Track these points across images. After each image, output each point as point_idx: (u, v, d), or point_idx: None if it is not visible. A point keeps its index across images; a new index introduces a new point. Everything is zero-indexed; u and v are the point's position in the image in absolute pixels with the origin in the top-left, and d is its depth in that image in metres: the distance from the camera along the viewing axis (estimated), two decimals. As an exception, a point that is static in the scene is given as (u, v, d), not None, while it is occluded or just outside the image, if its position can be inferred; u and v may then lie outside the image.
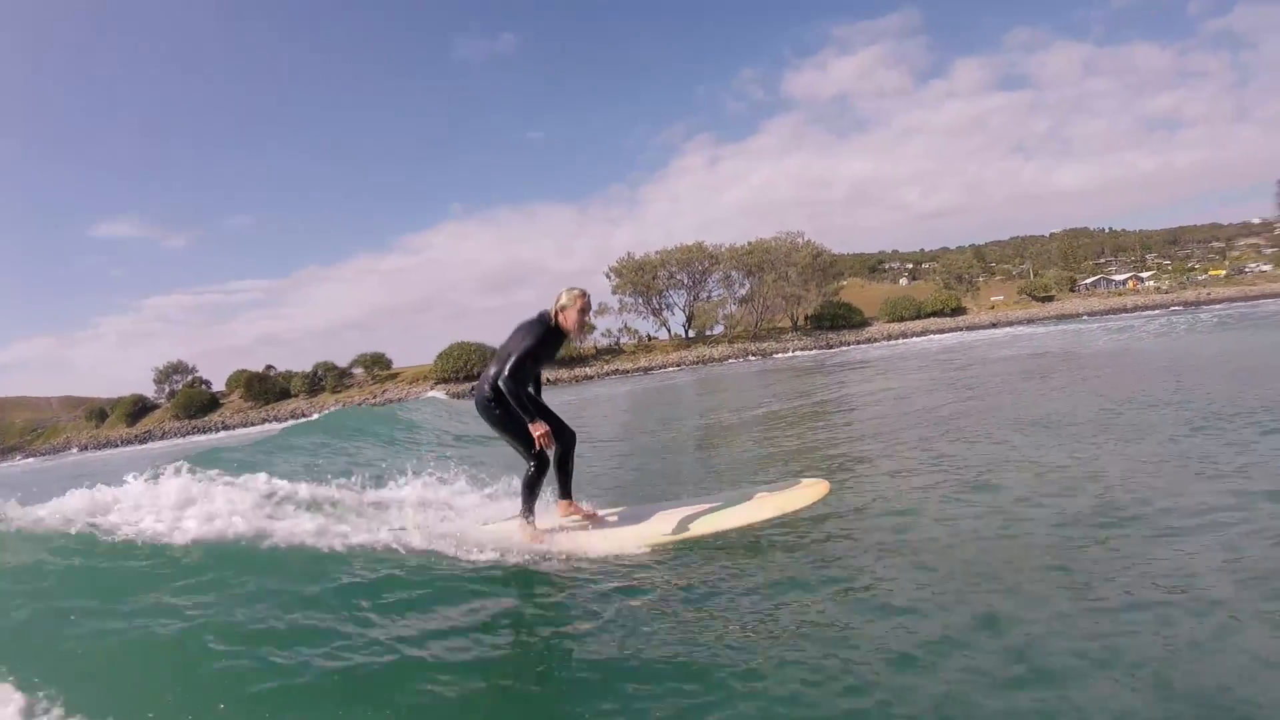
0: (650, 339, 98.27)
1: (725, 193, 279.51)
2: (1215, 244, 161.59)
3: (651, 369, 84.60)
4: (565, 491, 7.00)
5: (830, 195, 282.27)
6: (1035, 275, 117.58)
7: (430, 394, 62.57)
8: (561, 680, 4.33)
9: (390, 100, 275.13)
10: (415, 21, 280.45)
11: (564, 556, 6.37)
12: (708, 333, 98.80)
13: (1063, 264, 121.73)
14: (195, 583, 5.02)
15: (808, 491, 6.68)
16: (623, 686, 4.09)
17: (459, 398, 45.62)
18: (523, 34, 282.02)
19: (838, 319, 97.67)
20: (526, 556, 6.29)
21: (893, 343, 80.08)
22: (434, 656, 4.35)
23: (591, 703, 3.96)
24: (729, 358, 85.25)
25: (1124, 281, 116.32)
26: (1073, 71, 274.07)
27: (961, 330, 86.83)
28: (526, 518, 6.71)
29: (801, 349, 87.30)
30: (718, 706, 3.87)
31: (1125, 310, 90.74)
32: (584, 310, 6.74)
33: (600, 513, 7.20)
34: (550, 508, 7.14)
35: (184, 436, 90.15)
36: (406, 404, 34.67)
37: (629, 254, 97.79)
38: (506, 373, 6.36)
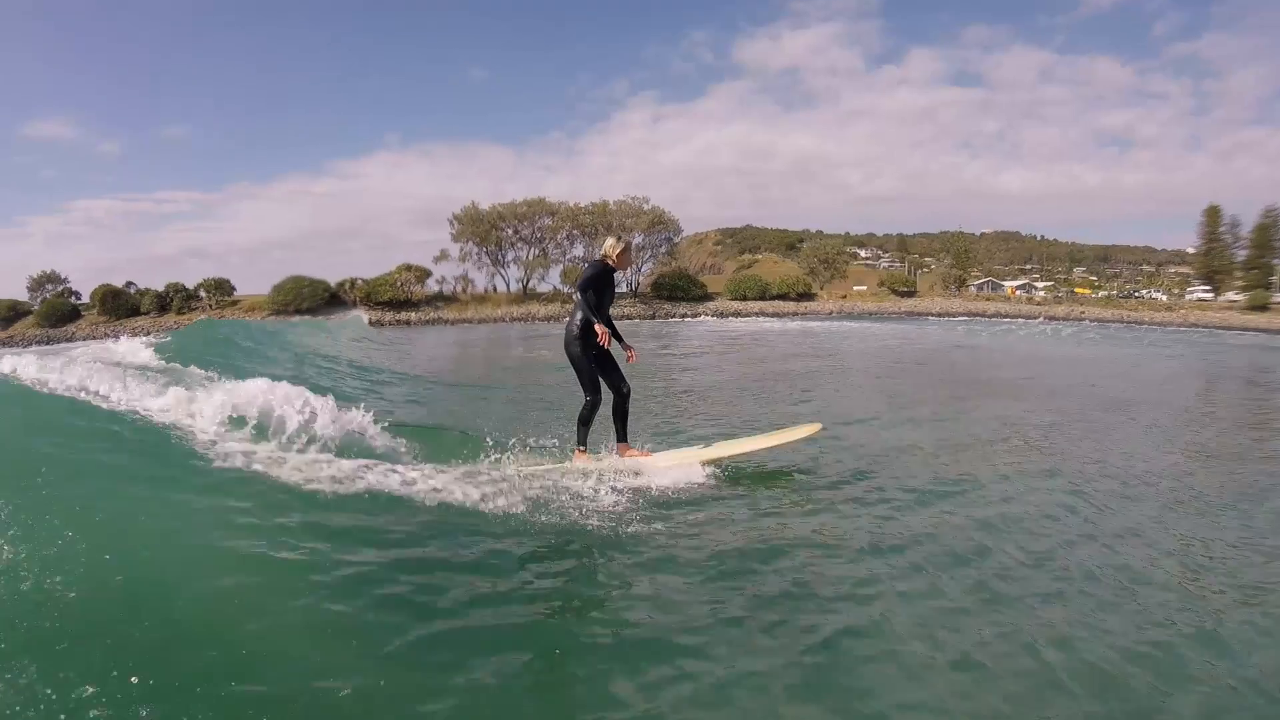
0: (491, 292, 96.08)
1: (665, 153, 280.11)
2: (1145, 267, 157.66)
3: (473, 321, 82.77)
4: (622, 436, 8.47)
5: (771, 167, 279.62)
6: (918, 271, 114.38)
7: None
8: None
9: (336, 19, 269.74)
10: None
11: (615, 475, 7.82)
12: (541, 290, 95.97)
13: (954, 262, 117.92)
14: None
15: (809, 427, 8.71)
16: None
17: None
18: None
19: (676, 290, 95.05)
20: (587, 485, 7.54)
21: (721, 320, 79.25)
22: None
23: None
24: (551, 317, 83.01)
25: (1004, 288, 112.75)
26: (1029, 76, 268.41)
27: (786, 317, 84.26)
28: (581, 448, 8.26)
29: (624, 318, 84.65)
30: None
31: (982, 315, 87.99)
32: (627, 250, 8.53)
33: (650, 454, 8.51)
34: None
35: (44, 344, 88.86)
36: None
37: (473, 203, 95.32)
38: (578, 288, 8.05)
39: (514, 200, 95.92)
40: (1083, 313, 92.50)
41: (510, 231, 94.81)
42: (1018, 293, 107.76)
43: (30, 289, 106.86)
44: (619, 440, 8.50)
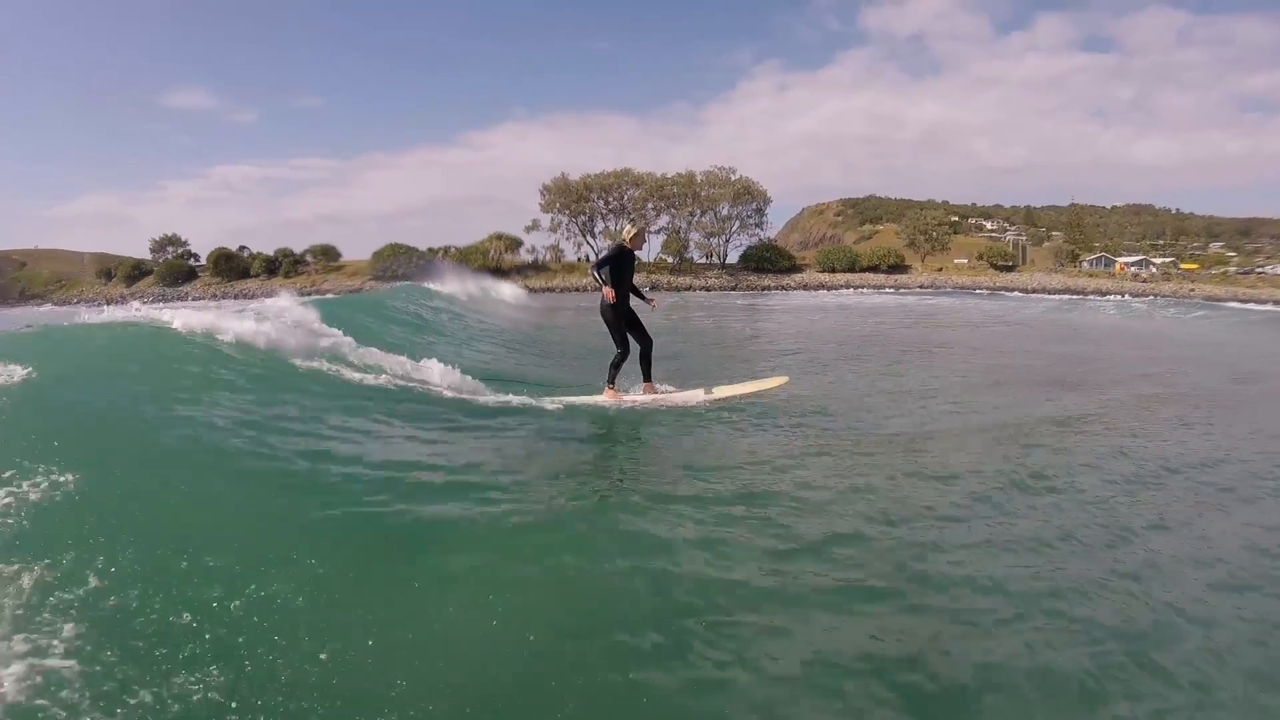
0: (582, 261, 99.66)
1: (792, 121, 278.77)
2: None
3: (557, 290, 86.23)
4: (647, 376, 11.21)
5: (899, 136, 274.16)
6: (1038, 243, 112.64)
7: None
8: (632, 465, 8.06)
9: None
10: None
11: (636, 404, 10.74)
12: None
13: (1068, 235, 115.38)
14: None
15: (777, 379, 11.78)
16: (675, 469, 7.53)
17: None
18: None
19: (764, 261, 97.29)
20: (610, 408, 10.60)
21: (783, 295, 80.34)
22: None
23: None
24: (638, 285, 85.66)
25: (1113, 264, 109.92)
26: (1164, 39, 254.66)
27: (865, 290, 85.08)
28: (610, 385, 10.87)
29: (704, 289, 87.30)
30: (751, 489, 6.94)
31: (1080, 292, 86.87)
32: (640, 234, 11.31)
33: (664, 391, 11.39)
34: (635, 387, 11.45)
35: (160, 302, 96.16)
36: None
37: (563, 174, 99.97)
38: (594, 265, 10.89)
39: (602, 171, 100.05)
40: (1192, 290, 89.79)
41: (601, 203, 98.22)
42: (1126, 269, 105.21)
43: (153, 250, 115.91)
44: (644, 379, 11.14)
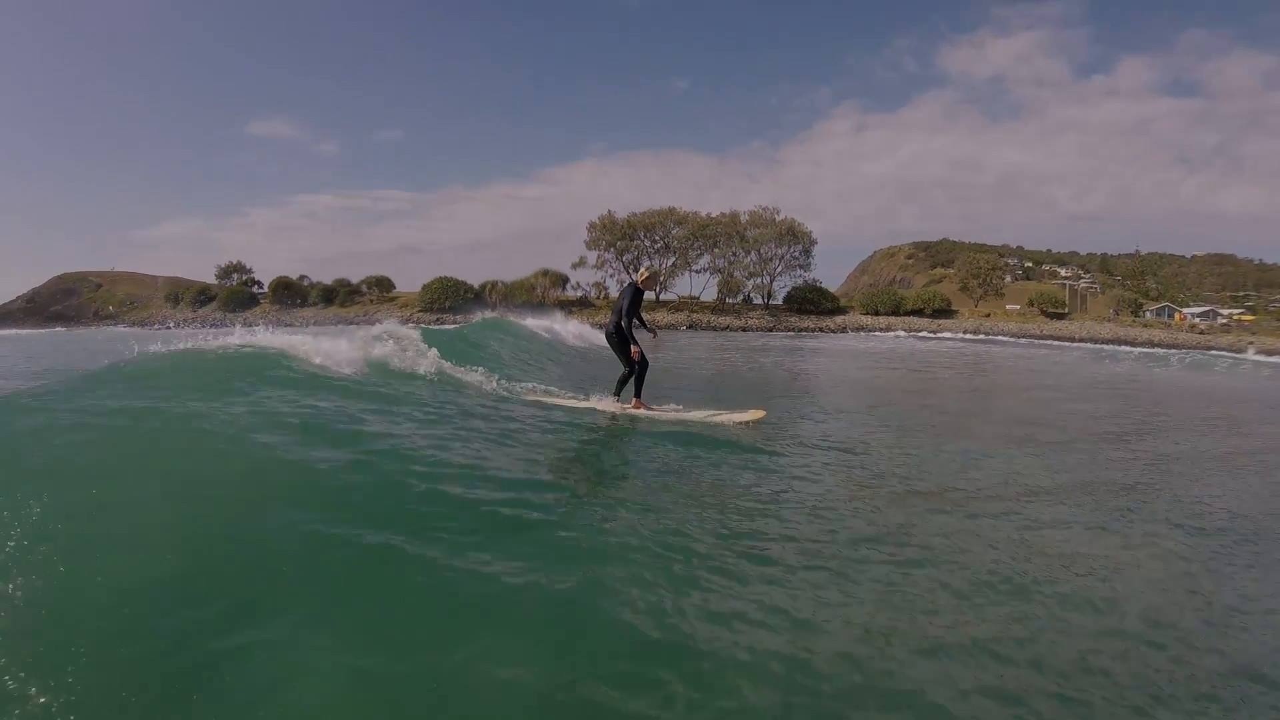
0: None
1: (870, 163, 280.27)
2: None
3: (599, 326, 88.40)
4: (638, 393, 12.80)
5: (979, 180, 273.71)
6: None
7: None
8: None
9: (544, 35, 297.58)
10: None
11: (632, 417, 12.28)
12: (663, 298, 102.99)
13: (1132, 284, 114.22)
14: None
15: (755, 412, 12.66)
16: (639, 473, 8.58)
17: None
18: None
19: (807, 303, 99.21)
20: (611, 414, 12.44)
21: (828, 335, 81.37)
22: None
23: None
24: (674, 325, 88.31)
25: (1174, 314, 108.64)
26: (1252, 82, 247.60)
27: (891, 333, 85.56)
28: (615, 396, 12.94)
29: (743, 329, 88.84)
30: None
31: (1129, 342, 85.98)
32: (654, 278, 15.62)
33: (655, 409, 12.88)
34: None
35: (216, 325, 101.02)
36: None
37: (610, 212, 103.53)
38: (625, 317, 12.43)
39: (648, 210, 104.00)
40: (1250, 342, 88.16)
41: (647, 241, 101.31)
42: (1186, 319, 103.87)
43: (218, 276, 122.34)
44: (635, 395, 12.67)
